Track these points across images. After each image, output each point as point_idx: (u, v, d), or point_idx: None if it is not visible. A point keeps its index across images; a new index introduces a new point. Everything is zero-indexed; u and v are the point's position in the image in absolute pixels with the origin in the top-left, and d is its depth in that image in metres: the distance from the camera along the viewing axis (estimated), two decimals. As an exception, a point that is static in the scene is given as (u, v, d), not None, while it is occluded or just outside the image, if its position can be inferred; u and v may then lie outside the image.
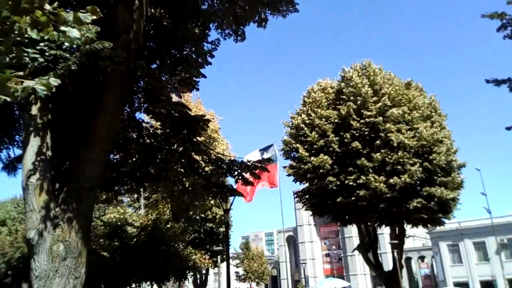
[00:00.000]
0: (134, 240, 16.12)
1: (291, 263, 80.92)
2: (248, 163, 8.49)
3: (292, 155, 23.68)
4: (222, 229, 39.57)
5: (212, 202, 27.53)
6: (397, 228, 22.79)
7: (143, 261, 15.32)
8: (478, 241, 50.28)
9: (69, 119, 7.58)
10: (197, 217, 33.15)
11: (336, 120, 21.85)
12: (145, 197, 27.37)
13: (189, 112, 9.13)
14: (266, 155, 24.41)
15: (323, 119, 21.85)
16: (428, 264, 62.52)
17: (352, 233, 70.54)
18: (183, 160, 8.30)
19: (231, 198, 14.90)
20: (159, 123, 8.97)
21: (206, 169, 9.03)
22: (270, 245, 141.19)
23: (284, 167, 24.11)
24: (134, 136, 8.54)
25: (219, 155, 8.59)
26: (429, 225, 21.23)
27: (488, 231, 48.44)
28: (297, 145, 22.28)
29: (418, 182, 19.84)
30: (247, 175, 10.28)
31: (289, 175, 23.70)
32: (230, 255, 55.23)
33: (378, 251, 64.81)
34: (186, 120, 8.85)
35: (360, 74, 22.49)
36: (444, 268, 52.47)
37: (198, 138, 9.36)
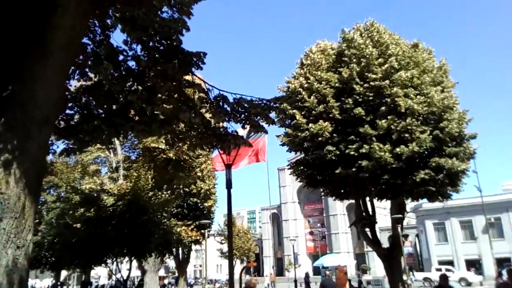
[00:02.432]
0: (111, 209, 14.01)
1: (274, 241, 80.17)
2: (261, 102, 6.42)
3: (287, 122, 21.69)
4: (206, 204, 37.63)
5: (199, 173, 25.55)
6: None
7: (121, 233, 13.29)
8: (465, 220, 49.92)
9: (11, 21, 5.32)
10: (181, 191, 31.10)
11: (337, 84, 19.86)
12: (125, 168, 25.14)
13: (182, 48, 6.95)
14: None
15: (323, 83, 19.83)
16: (412, 243, 62.36)
17: (336, 211, 69.92)
18: (175, 95, 6.16)
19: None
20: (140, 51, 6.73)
21: (203, 111, 6.93)
22: (252, 223, 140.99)
23: (278, 136, 22.10)
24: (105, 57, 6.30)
25: (222, 91, 6.45)
26: (440, 198, 19.62)
27: (476, 210, 47.96)
28: (294, 111, 20.23)
29: (426, 152, 18.13)
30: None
31: (283, 144, 21.75)
32: (214, 231, 53.69)
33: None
34: (176, 51, 6.69)
35: (363, 34, 20.44)
36: (429, 247, 52.13)
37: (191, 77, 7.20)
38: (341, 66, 20.03)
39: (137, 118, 6.71)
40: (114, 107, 6.77)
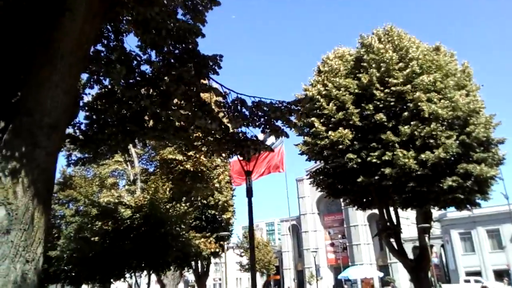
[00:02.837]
0: (128, 222, 13.72)
1: (294, 253, 78.96)
2: (281, 105, 6.02)
3: (306, 131, 21.21)
4: (225, 216, 37.25)
5: (216, 184, 25.21)
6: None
7: (139, 246, 12.94)
8: (492, 229, 48.20)
9: (20, 26, 5.08)
10: (198, 203, 30.79)
11: (356, 90, 19.36)
12: (142, 180, 24.98)
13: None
14: (271, 138, 22.00)
15: (342, 89, 19.35)
16: (437, 254, 60.49)
17: (357, 221, 68.52)
18: (191, 100, 5.83)
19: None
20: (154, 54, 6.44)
21: (221, 115, 6.56)
22: (271, 235, 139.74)
23: (296, 145, 21.64)
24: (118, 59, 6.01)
25: (240, 95, 6.10)
26: (468, 206, 18.80)
27: (503, 218, 46.31)
28: (313, 118, 19.76)
29: (452, 159, 17.39)
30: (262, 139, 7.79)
31: (302, 153, 21.27)
32: (233, 244, 53.17)
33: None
34: (192, 54, 6.38)
35: (382, 40, 19.95)
36: (455, 257, 50.42)
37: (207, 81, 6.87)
38: (360, 72, 19.56)
39: (151, 124, 6.40)
40: (128, 114, 6.47)
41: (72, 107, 5.05)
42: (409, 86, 17.99)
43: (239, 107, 6.17)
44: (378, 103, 18.53)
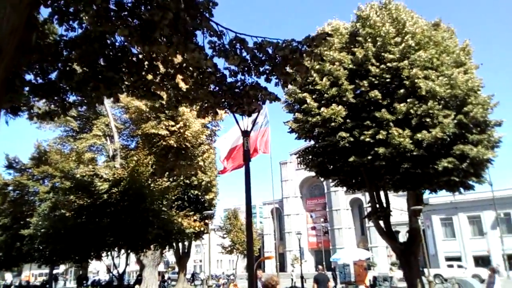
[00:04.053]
0: (105, 196, 12.57)
1: (275, 236, 78.92)
2: (289, 44, 4.96)
3: (296, 107, 20.22)
4: (207, 197, 36.39)
5: (201, 163, 24.14)
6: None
7: (117, 223, 11.84)
8: (473, 215, 48.59)
9: None
10: (181, 183, 29.76)
11: (350, 66, 18.38)
12: (122, 156, 23.68)
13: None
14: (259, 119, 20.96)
15: (336, 64, 18.35)
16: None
17: (339, 205, 68.58)
18: (179, 33, 4.70)
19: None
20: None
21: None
22: (252, 218, 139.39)
23: (286, 122, 20.66)
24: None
25: (239, 34, 5.01)
26: (462, 189, 18.23)
27: (484, 205, 46.69)
28: (304, 94, 18.76)
29: (448, 139, 16.66)
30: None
31: (291, 131, 20.29)
32: (214, 226, 52.43)
33: (367, 225, 62.88)
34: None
35: (378, 13, 18.93)
36: (435, 243, 50.81)
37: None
38: (355, 47, 18.57)
39: (130, 69, 5.27)
40: (101, 56, 5.31)
41: (24, 30, 3.90)
42: (405, 62, 17.09)
43: (238, 49, 5.08)
44: (373, 79, 17.62)
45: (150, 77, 5.43)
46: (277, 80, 5.54)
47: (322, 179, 22.49)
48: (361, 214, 67.83)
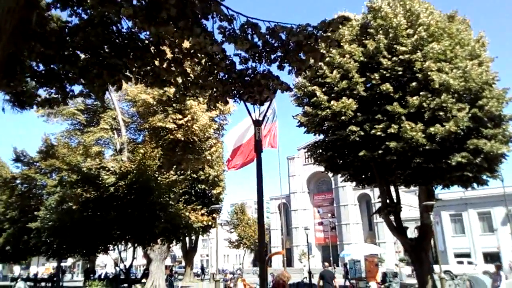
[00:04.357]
0: (112, 189, 12.38)
1: (282, 231, 78.74)
2: (303, 29, 4.66)
3: (305, 101, 19.89)
4: (214, 191, 36.26)
5: (208, 157, 23.91)
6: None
7: (123, 216, 11.65)
8: (483, 211, 47.98)
9: None
10: (188, 177, 29.60)
11: (361, 58, 17.96)
12: (130, 150, 23.52)
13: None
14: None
15: (346, 56, 17.96)
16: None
17: (347, 201, 68.17)
18: (186, 15, 4.42)
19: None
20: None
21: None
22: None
23: (295, 115, 20.34)
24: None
25: (251, 19, 4.72)
26: (475, 184, 17.85)
27: (495, 201, 46.06)
28: (314, 87, 18.41)
29: (462, 133, 16.24)
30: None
31: (300, 124, 19.99)
32: (221, 221, 52.39)
33: (375, 220, 62.51)
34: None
35: (391, 4, 18.48)
36: (445, 239, 50.27)
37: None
38: (366, 39, 18.15)
39: (135, 54, 5.00)
40: (105, 41, 5.05)
41: (23, 9, 3.64)
42: (418, 54, 16.66)
43: (249, 35, 4.78)
44: (384, 72, 17.22)
45: (157, 63, 5.16)
46: (290, 68, 5.25)
47: (331, 174, 22.16)
48: (369, 210, 67.40)
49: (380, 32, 17.60)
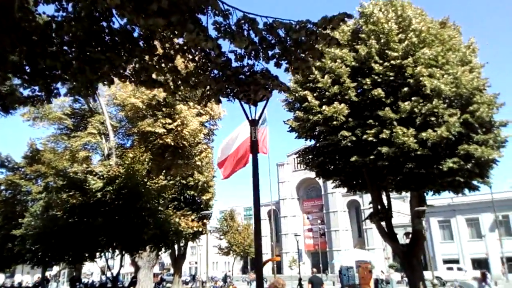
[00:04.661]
0: (99, 195, 12.01)
1: (271, 238, 78.33)
2: (303, 26, 4.47)
3: (296, 106, 19.75)
4: (204, 197, 35.81)
5: (198, 162, 23.58)
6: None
7: (111, 222, 11.28)
8: (472, 217, 48.31)
9: None
10: (177, 183, 29.19)
11: (353, 63, 17.92)
12: (118, 155, 23.09)
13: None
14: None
15: (338, 61, 17.89)
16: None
17: (336, 207, 68.17)
18: (179, 7, 4.19)
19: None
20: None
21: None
22: (249, 219, 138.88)
23: (286, 121, 20.18)
24: None
25: (248, 14, 4.52)
26: (466, 190, 17.85)
27: (483, 207, 46.43)
28: (305, 92, 18.29)
29: (454, 139, 16.22)
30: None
31: (291, 130, 19.83)
32: (211, 228, 51.89)
33: (364, 227, 62.62)
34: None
35: (383, 9, 18.50)
36: (433, 245, 50.44)
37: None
38: (358, 44, 18.13)
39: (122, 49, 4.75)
40: (89, 35, 4.79)
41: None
42: (410, 59, 16.67)
43: (246, 31, 4.57)
44: (376, 77, 17.18)
45: (147, 58, 4.91)
46: (287, 66, 5.05)
47: (320, 181, 21.97)
48: (358, 216, 67.49)
49: (372, 37, 17.59)
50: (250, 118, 5.21)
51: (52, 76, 5.08)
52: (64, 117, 24.81)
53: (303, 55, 4.67)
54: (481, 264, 44.96)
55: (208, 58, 5.05)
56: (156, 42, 4.90)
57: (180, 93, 21.52)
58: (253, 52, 4.76)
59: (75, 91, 5.30)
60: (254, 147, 5.22)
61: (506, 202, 45.42)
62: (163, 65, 5.10)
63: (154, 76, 5.53)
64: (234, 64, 5.03)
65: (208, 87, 5.22)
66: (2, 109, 19.09)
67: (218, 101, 5.38)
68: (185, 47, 4.99)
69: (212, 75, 5.15)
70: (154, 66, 4.94)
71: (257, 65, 5.06)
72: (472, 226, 48.54)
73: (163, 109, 20.23)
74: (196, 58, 5.14)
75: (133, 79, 5.44)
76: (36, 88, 5.27)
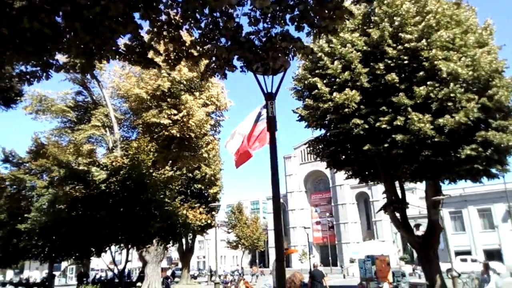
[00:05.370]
0: (103, 186, 11.48)
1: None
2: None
3: (305, 94, 19.07)
4: (211, 191, 35.33)
5: (205, 155, 23.00)
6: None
7: (116, 215, 10.75)
8: (484, 208, 47.43)
9: None
10: (184, 177, 28.68)
11: (364, 48, 17.16)
12: (122, 148, 22.57)
13: None
14: (264, 112, 19.74)
15: (348, 45, 17.15)
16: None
17: (345, 200, 67.45)
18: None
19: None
20: None
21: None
22: (256, 213, 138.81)
23: (296, 109, 19.49)
24: None
25: None
26: (484, 178, 17.13)
27: (495, 197, 45.54)
28: (315, 79, 17.59)
29: (472, 125, 15.49)
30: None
31: (301, 118, 19.17)
32: (218, 221, 51.52)
33: (373, 219, 61.81)
34: None
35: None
36: (446, 236, 49.59)
37: None
38: (370, 27, 17.36)
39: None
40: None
41: None
42: (423, 42, 15.90)
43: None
44: (389, 61, 16.43)
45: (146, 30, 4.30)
46: (309, 30, 4.40)
47: (334, 170, 21.28)
48: (367, 208, 66.77)
49: (385, 20, 16.81)
50: (266, 92, 4.61)
51: (45, 46, 4.49)
52: (67, 109, 24.32)
53: (328, 16, 4.02)
54: (493, 255, 44.10)
55: (216, 24, 4.42)
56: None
57: (185, 82, 20.99)
58: (269, 15, 4.12)
59: (71, 66, 4.71)
60: (272, 124, 4.61)
61: (519, 192, 44.43)
62: (165, 33, 4.49)
63: (150, 56, 4.95)
64: (247, 29, 4.41)
65: (213, 58, 4.59)
66: (3, 103, 18.59)
67: (224, 75, 4.75)
68: (189, 12, 4.37)
69: (220, 43, 4.53)
70: (156, 33, 4.33)
71: (274, 29, 4.42)
72: (484, 217, 47.67)
73: (168, 99, 19.64)
74: (203, 24, 4.51)
75: (127, 56, 4.85)
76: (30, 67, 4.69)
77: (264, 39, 4.28)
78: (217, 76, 4.94)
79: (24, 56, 4.69)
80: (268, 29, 4.24)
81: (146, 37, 4.86)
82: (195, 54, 4.57)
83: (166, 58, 4.72)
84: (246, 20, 4.45)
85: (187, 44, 4.59)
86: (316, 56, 17.89)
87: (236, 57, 4.42)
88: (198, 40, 4.49)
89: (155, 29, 4.39)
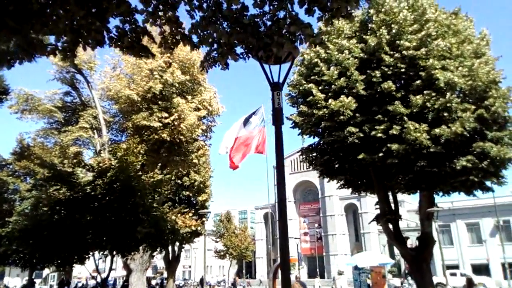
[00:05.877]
0: (88, 189, 10.91)
1: (267, 241, 77.19)
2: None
3: (300, 100, 18.75)
4: (200, 198, 34.68)
5: (195, 160, 22.47)
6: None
7: (101, 219, 10.18)
8: (472, 222, 47.48)
9: None
10: (172, 183, 28.07)
11: (361, 55, 16.93)
12: (110, 151, 21.92)
13: None
14: (254, 120, 19.34)
15: (345, 52, 16.91)
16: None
17: (334, 211, 67.16)
18: None
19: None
20: None
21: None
22: (243, 223, 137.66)
23: (290, 116, 19.12)
24: None
25: None
26: (478, 191, 16.91)
27: (483, 212, 45.66)
28: (310, 85, 17.29)
29: (468, 135, 15.28)
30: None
31: (294, 125, 18.80)
32: (206, 231, 50.72)
33: (361, 231, 61.69)
34: None
35: (395, -1, 17.57)
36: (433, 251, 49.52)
37: None
38: (367, 34, 17.16)
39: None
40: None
41: None
42: (422, 50, 15.73)
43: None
44: (386, 69, 16.20)
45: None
46: (321, 13, 4.01)
47: (327, 179, 20.87)
48: (356, 220, 66.57)
49: (383, 27, 16.64)
50: (272, 81, 4.20)
51: (30, 21, 4.02)
52: (55, 110, 23.61)
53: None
54: (481, 270, 44.05)
55: (219, 5, 4.00)
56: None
57: (177, 85, 20.52)
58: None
59: (56, 48, 4.25)
60: (278, 116, 4.20)
61: (507, 207, 44.70)
62: (160, 13, 4.06)
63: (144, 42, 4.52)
64: (251, 11, 4.00)
65: (215, 45, 4.17)
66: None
67: (226, 65, 4.32)
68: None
69: (222, 27, 4.10)
70: (146, 20, 3.90)
71: (280, 13, 4.01)
72: (472, 231, 47.73)
73: (159, 102, 19.14)
74: (204, 6, 4.09)
75: (119, 42, 4.42)
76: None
77: (269, 23, 3.88)
78: (218, 65, 4.51)
79: (5, 33, 4.21)
80: (275, 11, 3.84)
81: (140, 21, 4.44)
82: (195, 40, 4.14)
83: (162, 41, 4.29)
84: (251, 2, 4.05)
85: (183, 26, 4.17)
86: (312, 62, 17.65)
87: (238, 45, 4.01)
88: (199, 23, 4.07)
89: (149, 9, 3.97)
